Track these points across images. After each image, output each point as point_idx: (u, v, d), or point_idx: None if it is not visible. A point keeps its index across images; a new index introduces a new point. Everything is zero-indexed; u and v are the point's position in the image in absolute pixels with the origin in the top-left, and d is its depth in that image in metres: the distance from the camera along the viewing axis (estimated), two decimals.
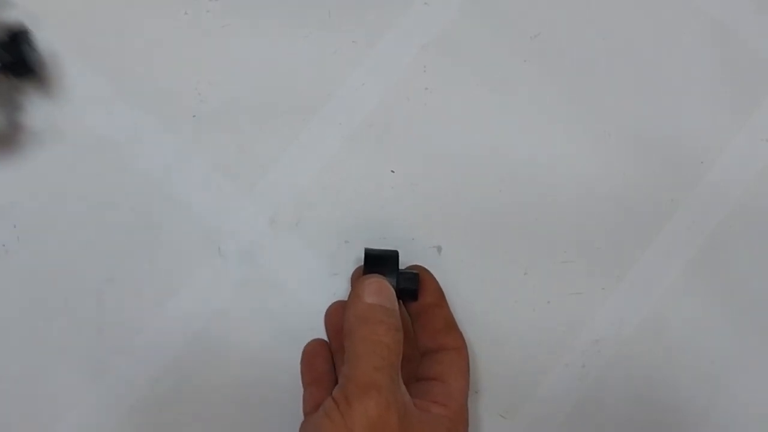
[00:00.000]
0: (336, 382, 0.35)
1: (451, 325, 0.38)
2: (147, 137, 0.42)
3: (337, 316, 0.39)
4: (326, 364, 0.38)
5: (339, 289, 0.41)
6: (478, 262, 0.41)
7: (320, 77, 0.42)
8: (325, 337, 0.39)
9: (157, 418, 0.40)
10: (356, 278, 0.39)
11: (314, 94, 0.42)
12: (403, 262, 0.39)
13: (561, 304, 0.41)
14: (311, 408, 0.37)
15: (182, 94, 0.42)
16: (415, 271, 0.38)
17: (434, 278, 0.39)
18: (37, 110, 0.42)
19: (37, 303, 0.40)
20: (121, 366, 0.40)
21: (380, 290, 0.35)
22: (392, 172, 0.42)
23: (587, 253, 0.41)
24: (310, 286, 0.41)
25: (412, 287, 0.37)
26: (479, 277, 0.41)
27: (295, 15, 0.43)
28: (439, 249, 0.41)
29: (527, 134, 0.42)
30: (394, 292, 0.36)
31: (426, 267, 0.39)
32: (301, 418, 0.37)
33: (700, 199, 0.41)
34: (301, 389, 0.38)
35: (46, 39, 0.42)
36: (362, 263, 0.37)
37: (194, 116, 0.42)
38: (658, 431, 0.40)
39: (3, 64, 0.36)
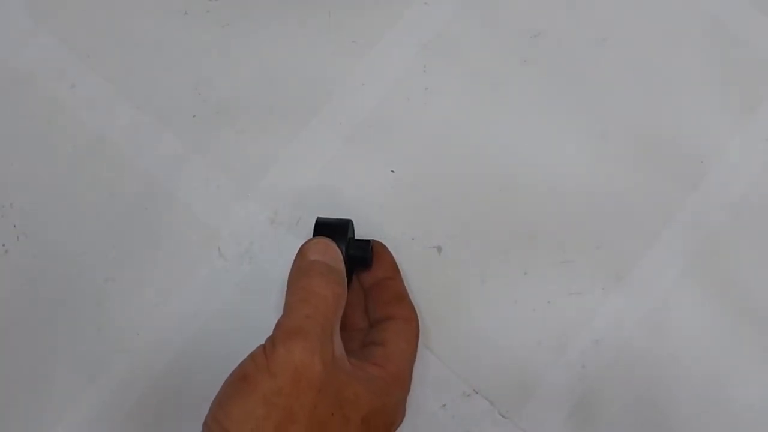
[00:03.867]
0: None
1: (402, 297, 0.38)
2: (147, 137, 0.42)
3: None
4: None
5: None
6: (478, 262, 0.41)
7: (320, 77, 0.42)
8: None
9: (157, 418, 0.40)
10: None
11: (314, 94, 0.42)
12: (403, 263, 0.39)
13: (561, 304, 0.41)
14: None
15: (182, 94, 0.42)
16: (367, 239, 0.38)
17: (390, 253, 0.39)
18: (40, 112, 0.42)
19: (37, 303, 0.40)
20: (121, 366, 0.40)
21: (326, 250, 0.35)
22: (392, 172, 0.42)
23: (587, 253, 0.41)
24: None
25: (364, 255, 0.37)
26: (479, 277, 0.41)
27: (295, 15, 0.43)
28: (439, 249, 0.41)
29: (527, 134, 0.42)
30: (340, 254, 0.35)
31: (426, 267, 0.39)
32: None
33: (700, 199, 0.41)
34: None
35: (47, 39, 0.42)
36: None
37: (194, 116, 0.42)
38: (658, 431, 0.40)
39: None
